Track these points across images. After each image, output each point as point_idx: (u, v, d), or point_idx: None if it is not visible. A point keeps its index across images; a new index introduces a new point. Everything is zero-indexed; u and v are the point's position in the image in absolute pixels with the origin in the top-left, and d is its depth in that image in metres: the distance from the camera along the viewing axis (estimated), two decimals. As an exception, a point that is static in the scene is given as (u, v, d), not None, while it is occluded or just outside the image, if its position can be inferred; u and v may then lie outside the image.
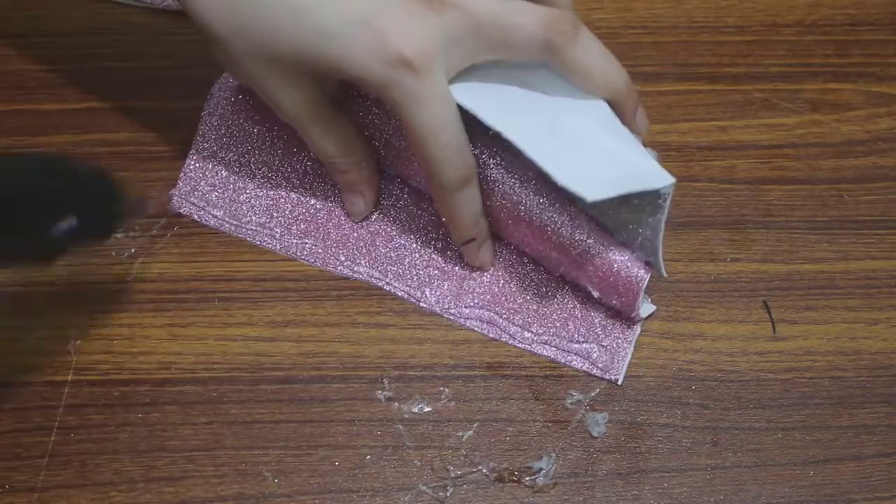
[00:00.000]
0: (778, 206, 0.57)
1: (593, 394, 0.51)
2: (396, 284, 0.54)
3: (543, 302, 0.53)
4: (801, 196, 0.57)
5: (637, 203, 0.49)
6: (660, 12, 0.64)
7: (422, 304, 0.53)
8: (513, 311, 0.53)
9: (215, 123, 0.57)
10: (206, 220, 0.55)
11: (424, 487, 0.48)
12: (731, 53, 0.62)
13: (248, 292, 0.53)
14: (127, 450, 0.49)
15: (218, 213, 0.55)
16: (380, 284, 0.54)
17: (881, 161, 0.59)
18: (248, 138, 0.57)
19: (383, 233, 0.55)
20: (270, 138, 0.56)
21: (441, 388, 0.51)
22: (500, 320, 0.53)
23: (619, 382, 0.51)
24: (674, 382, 0.51)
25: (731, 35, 0.63)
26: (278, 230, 0.55)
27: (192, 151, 0.57)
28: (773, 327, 0.53)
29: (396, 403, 0.50)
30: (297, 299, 0.53)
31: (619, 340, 0.52)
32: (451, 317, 0.53)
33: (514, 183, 0.51)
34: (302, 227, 0.55)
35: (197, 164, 0.56)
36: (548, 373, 0.51)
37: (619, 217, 0.51)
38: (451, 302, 0.53)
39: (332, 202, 0.56)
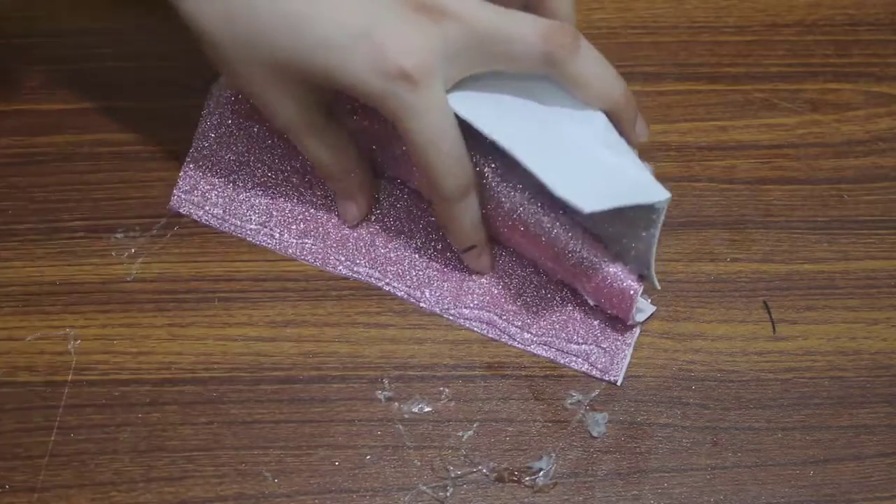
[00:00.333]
0: (778, 206, 0.57)
1: (593, 394, 0.51)
2: (396, 284, 0.54)
3: (543, 303, 0.53)
4: (801, 196, 0.57)
5: (631, 217, 0.49)
6: (660, 12, 0.64)
7: (421, 305, 0.53)
8: (512, 313, 0.53)
9: (215, 123, 0.57)
10: (205, 219, 0.55)
11: (424, 487, 0.48)
12: (731, 53, 0.62)
13: (248, 292, 0.53)
14: (127, 450, 0.49)
15: (217, 212, 0.55)
16: (379, 285, 0.54)
17: (881, 161, 0.59)
18: (248, 138, 0.57)
19: (383, 233, 0.55)
20: (270, 138, 0.56)
21: (441, 388, 0.51)
22: (500, 321, 0.53)
23: (619, 383, 0.51)
24: (674, 382, 0.51)
25: (731, 35, 0.63)
26: (277, 230, 0.55)
27: (192, 150, 0.57)
28: (773, 327, 0.53)
29: (396, 403, 0.50)
30: (297, 299, 0.53)
31: (619, 342, 0.52)
32: (451, 317, 0.53)
33: (510, 192, 0.51)
34: (301, 226, 0.55)
35: (197, 163, 0.56)
36: (548, 373, 0.51)
37: (612, 230, 0.51)
38: (450, 302, 0.53)
39: (331, 202, 0.56)
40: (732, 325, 0.53)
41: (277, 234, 0.55)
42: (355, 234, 0.55)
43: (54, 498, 0.48)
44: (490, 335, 0.52)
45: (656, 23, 0.63)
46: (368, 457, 0.49)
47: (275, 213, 0.55)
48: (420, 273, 0.54)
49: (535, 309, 0.53)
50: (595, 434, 0.50)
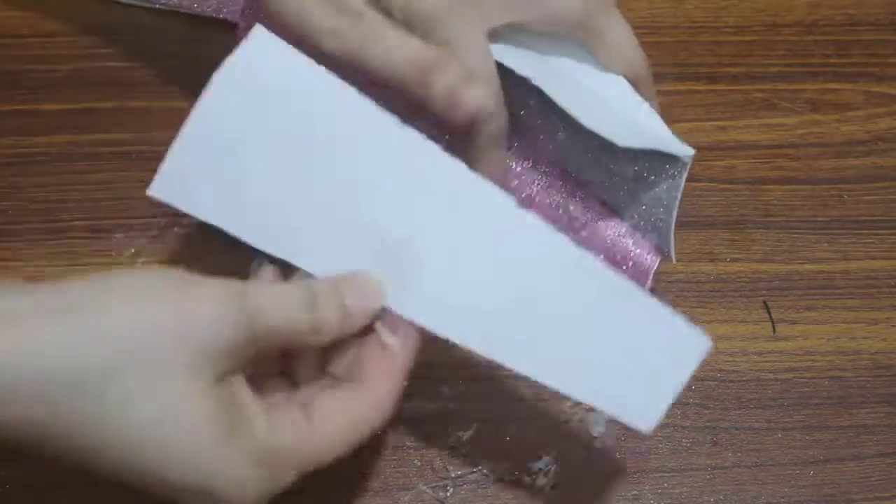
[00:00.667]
0: (778, 206, 0.57)
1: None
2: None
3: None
4: (801, 196, 0.57)
5: (653, 180, 0.50)
6: (659, 12, 0.64)
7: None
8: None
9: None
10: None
11: (424, 487, 0.48)
12: (730, 53, 0.62)
13: (248, 292, 0.53)
14: (127, 450, 0.49)
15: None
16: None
17: (881, 161, 0.59)
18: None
19: None
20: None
21: (441, 388, 0.51)
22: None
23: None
24: (674, 382, 0.51)
25: (730, 35, 0.63)
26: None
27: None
28: (773, 327, 0.53)
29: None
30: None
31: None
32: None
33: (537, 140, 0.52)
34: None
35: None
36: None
37: (632, 194, 0.51)
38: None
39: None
40: (732, 325, 0.53)
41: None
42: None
43: (55, 497, 0.48)
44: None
45: (656, 23, 0.63)
46: (369, 457, 0.49)
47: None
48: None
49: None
50: (595, 434, 0.50)
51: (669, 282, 0.54)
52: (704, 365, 0.51)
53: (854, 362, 0.52)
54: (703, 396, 0.51)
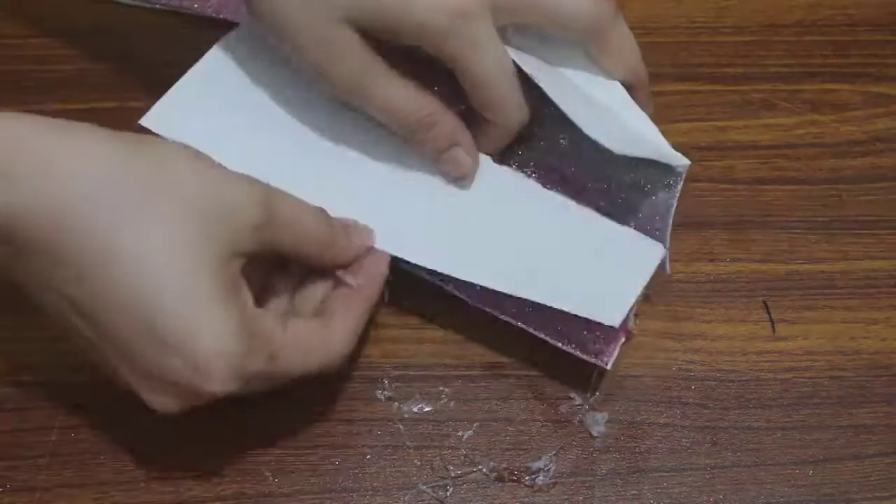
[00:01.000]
0: (777, 207, 0.57)
1: (593, 394, 0.51)
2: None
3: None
4: (800, 196, 0.57)
5: (649, 189, 0.51)
6: (659, 13, 0.64)
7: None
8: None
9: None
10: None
11: (424, 487, 0.48)
12: (730, 54, 0.63)
13: (248, 292, 0.53)
14: (128, 449, 0.49)
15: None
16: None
17: (880, 161, 0.59)
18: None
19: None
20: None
21: (441, 388, 0.51)
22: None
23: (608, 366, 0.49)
24: (673, 382, 0.51)
25: (730, 35, 0.63)
26: None
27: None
28: (773, 327, 0.53)
29: (396, 403, 0.50)
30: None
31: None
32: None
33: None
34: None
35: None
36: (548, 373, 0.52)
37: (629, 201, 0.51)
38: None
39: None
40: (732, 325, 0.53)
41: None
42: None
43: (55, 497, 0.48)
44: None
45: (655, 23, 0.63)
46: (368, 456, 0.49)
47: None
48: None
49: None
50: (595, 434, 0.50)
51: (669, 282, 0.54)
52: (704, 365, 0.52)
53: (853, 362, 0.52)
54: (702, 396, 0.51)
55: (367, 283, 0.49)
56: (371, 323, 0.52)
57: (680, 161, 0.49)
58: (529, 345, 0.52)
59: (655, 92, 0.60)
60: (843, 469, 0.49)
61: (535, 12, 0.50)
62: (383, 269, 0.49)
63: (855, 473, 0.49)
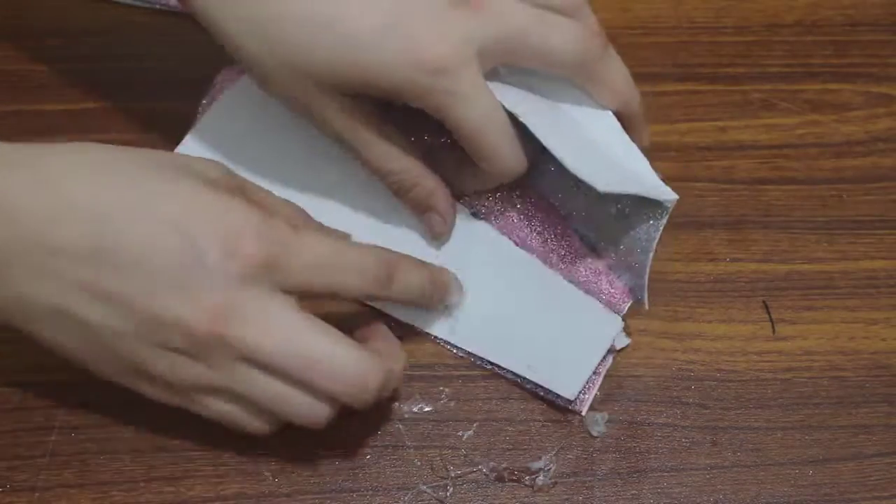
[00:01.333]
0: (777, 206, 0.57)
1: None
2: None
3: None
4: (801, 196, 0.57)
5: (633, 221, 0.50)
6: (659, 13, 0.64)
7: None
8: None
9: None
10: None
11: (424, 487, 0.48)
12: (730, 54, 0.62)
13: (248, 292, 0.53)
14: (128, 449, 0.49)
15: None
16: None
17: (880, 161, 0.59)
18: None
19: None
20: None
21: (441, 388, 0.51)
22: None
23: (583, 413, 0.50)
24: (673, 382, 0.51)
25: (730, 35, 0.63)
26: None
27: (187, 139, 0.56)
28: (773, 327, 0.53)
29: (396, 403, 0.50)
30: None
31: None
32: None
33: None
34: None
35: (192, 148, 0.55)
36: (548, 373, 0.52)
37: (611, 232, 0.52)
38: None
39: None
40: (732, 325, 0.53)
41: None
42: None
43: (55, 497, 0.48)
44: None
45: (656, 23, 0.63)
46: (368, 456, 0.49)
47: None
48: None
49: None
50: (595, 434, 0.50)
51: (670, 282, 0.54)
52: (704, 365, 0.52)
53: (853, 362, 0.52)
54: (702, 396, 0.51)
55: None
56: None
57: (668, 196, 0.49)
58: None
59: (655, 92, 0.60)
60: (842, 469, 0.49)
61: (524, 54, 0.49)
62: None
63: (855, 473, 0.49)
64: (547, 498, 0.48)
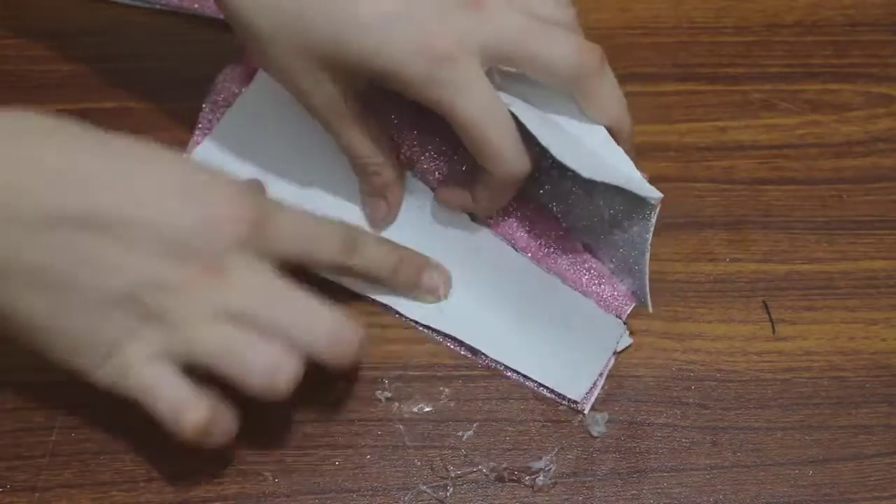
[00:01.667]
0: (777, 207, 0.57)
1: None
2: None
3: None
4: (801, 196, 0.57)
5: (626, 223, 0.51)
6: (659, 13, 0.64)
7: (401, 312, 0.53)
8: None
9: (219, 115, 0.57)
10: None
11: (424, 487, 0.48)
12: (730, 54, 0.62)
13: (248, 292, 0.53)
14: (128, 449, 0.49)
15: None
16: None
17: (880, 161, 0.59)
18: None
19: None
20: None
21: (441, 388, 0.51)
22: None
23: (585, 412, 0.51)
24: (673, 382, 0.51)
25: (730, 36, 0.63)
26: None
27: (192, 143, 0.56)
28: (773, 327, 0.53)
29: (396, 403, 0.51)
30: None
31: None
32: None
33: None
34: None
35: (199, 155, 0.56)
36: (548, 373, 0.52)
37: (608, 237, 0.52)
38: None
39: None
40: (732, 325, 0.53)
41: None
42: None
43: (55, 497, 0.48)
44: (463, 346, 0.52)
45: (656, 23, 0.63)
46: (368, 457, 0.49)
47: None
48: None
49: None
50: (595, 434, 0.50)
51: (669, 282, 0.54)
52: (704, 365, 0.52)
53: (853, 362, 0.52)
54: (702, 396, 0.51)
55: None
56: (371, 323, 0.53)
57: (652, 194, 0.49)
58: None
59: (655, 92, 0.60)
60: (842, 469, 0.49)
61: (521, 59, 0.49)
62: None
63: (855, 474, 0.49)
64: (547, 498, 0.48)
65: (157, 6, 0.62)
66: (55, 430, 0.49)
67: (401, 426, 0.50)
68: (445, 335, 0.52)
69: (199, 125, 0.57)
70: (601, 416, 0.50)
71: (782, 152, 0.59)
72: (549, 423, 0.50)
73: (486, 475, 0.49)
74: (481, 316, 0.52)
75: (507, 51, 0.49)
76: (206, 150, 0.56)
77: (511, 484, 0.49)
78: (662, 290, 0.53)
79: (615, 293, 0.53)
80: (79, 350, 0.44)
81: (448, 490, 0.48)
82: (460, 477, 0.49)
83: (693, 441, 0.50)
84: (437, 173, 0.56)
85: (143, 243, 0.43)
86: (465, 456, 0.49)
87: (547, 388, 0.51)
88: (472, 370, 0.51)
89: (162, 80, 0.60)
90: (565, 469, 0.49)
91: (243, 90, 0.57)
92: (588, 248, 0.54)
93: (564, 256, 0.54)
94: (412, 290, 0.52)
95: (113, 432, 0.49)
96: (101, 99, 0.59)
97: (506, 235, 0.54)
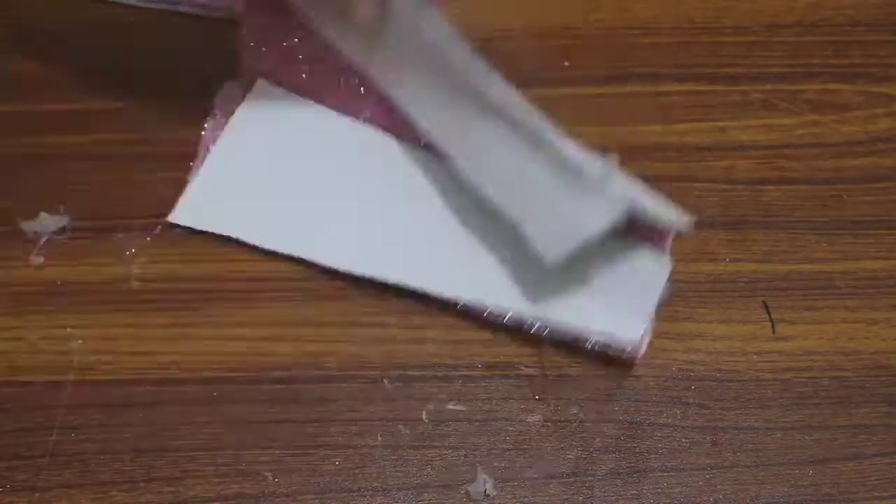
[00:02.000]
0: (777, 207, 0.57)
1: (593, 394, 0.51)
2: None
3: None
4: (801, 196, 0.57)
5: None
6: (659, 13, 0.64)
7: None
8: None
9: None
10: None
11: (425, 487, 0.48)
12: (730, 54, 0.62)
13: (248, 292, 0.53)
14: (128, 449, 0.49)
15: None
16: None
17: (881, 161, 0.59)
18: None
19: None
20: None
21: (441, 388, 0.51)
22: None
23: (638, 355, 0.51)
24: (673, 382, 0.51)
25: (730, 36, 0.63)
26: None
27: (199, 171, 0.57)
28: (773, 327, 0.53)
29: (397, 403, 0.50)
30: (297, 299, 0.53)
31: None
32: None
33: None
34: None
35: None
36: (548, 373, 0.52)
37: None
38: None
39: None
40: (732, 325, 0.53)
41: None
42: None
43: (55, 497, 0.48)
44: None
45: (656, 23, 0.63)
46: (368, 457, 0.49)
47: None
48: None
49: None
50: (594, 434, 0.50)
51: (669, 281, 0.54)
52: (704, 365, 0.52)
53: (854, 362, 0.52)
54: (702, 396, 0.51)
55: None
56: (371, 323, 0.53)
57: (613, 216, 0.49)
58: (530, 345, 0.52)
59: (655, 92, 0.60)
60: (843, 469, 0.49)
61: None
62: None
63: (855, 474, 0.49)
64: (547, 498, 0.48)
65: (157, 6, 0.62)
66: (55, 430, 0.49)
67: (401, 426, 0.50)
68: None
69: (201, 150, 0.57)
70: (600, 417, 0.50)
71: (782, 152, 0.59)
72: (549, 423, 0.50)
73: (487, 475, 0.49)
74: (519, 282, 0.52)
75: None
76: (183, 211, 0.55)
77: (511, 484, 0.49)
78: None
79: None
80: None
81: (449, 490, 0.48)
82: (460, 477, 0.49)
83: (693, 441, 0.50)
84: None
85: None
86: (466, 456, 0.49)
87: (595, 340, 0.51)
88: (472, 370, 0.51)
89: (162, 80, 0.60)
90: (565, 469, 0.49)
91: (237, 107, 0.58)
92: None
93: None
94: None
95: (113, 432, 0.49)
96: (101, 99, 0.59)
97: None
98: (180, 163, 0.57)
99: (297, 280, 0.54)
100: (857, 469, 0.49)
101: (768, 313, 0.53)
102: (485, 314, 0.52)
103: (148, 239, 0.55)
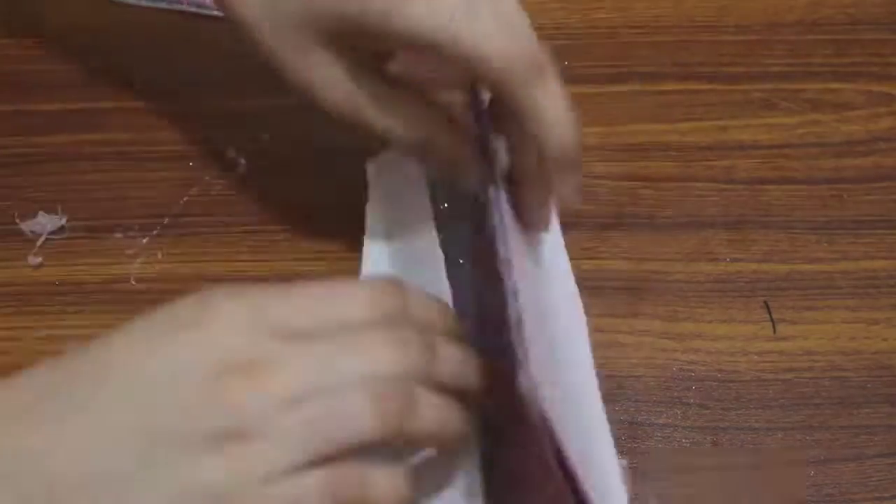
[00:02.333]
0: (777, 206, 0.57)
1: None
2: None
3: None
4: (801, 196, 0.57)
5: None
6: (660, 12, 0.64)
7: None
8: None
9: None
10: None
11: (424, 487, 0.48)
12: (731, 53, 0.62)
13: (247, 292, 0.53)
14: (127, 450, 0.49)
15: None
16: None
17: (881, 161, 0.59)
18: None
19: None
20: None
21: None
22: None
23: None
24: (674, 382, 0.51)
25: (731, 35, 0.63)
26: None
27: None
28: (774, 327, 0.53)
29: (396, 403, 0.50)
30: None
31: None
32: None
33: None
34: None
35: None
36: (548, 373, 0.51)
37: None
38: None
39: None
40: (732, 325, 0.53)
41: None
42: None
43: (54, 498, 0.48)
44: None
45: (656, 22, 0.63)
46: (368, 457, 0.49)
47: None
48: None
49: None
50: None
51: (669, 282, 0.54)
52: (704, 365, 0.52)
53: (854, 362, 0.52)
54: (703, 396, 0.51)
55: None
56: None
57: None
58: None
59: (656, 91, 0.60)
60: (844, 470, 0.49)
61: (429, 42, 0.42)
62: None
63: (856, 474, 0.49)
64: (547, 498, 0.48)
65: (158, 6, 0.62)
66: (55, 431, 0.49)
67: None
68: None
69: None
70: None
71: (783, 152, 0.59)
72: (549, 424, 0.50)
73: (486, 475, 0.49)
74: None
75: (405, 31, 0.42)
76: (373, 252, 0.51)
77: (511, 484, 0.49)
78: (662, 289, 0.53)
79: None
80: None
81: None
82: (460, 477, 0.49)
83: (693, 441, 0.50)
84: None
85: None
86: (465, 456, 0.49)
87: None
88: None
89: (161, 80, 0.60)
90: (565, 469, 0.49)
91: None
92: None
93: None
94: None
95: (112, 433, 0.49)
96: (101, 99, 0.59)
97: None
98: (180, 163, 0.57)
99: (296, 280, 0.54)
100: (858, 470, 0.49)
101: (769, 313, 0.53)
102: None
103: (147, 239, 0.55)
